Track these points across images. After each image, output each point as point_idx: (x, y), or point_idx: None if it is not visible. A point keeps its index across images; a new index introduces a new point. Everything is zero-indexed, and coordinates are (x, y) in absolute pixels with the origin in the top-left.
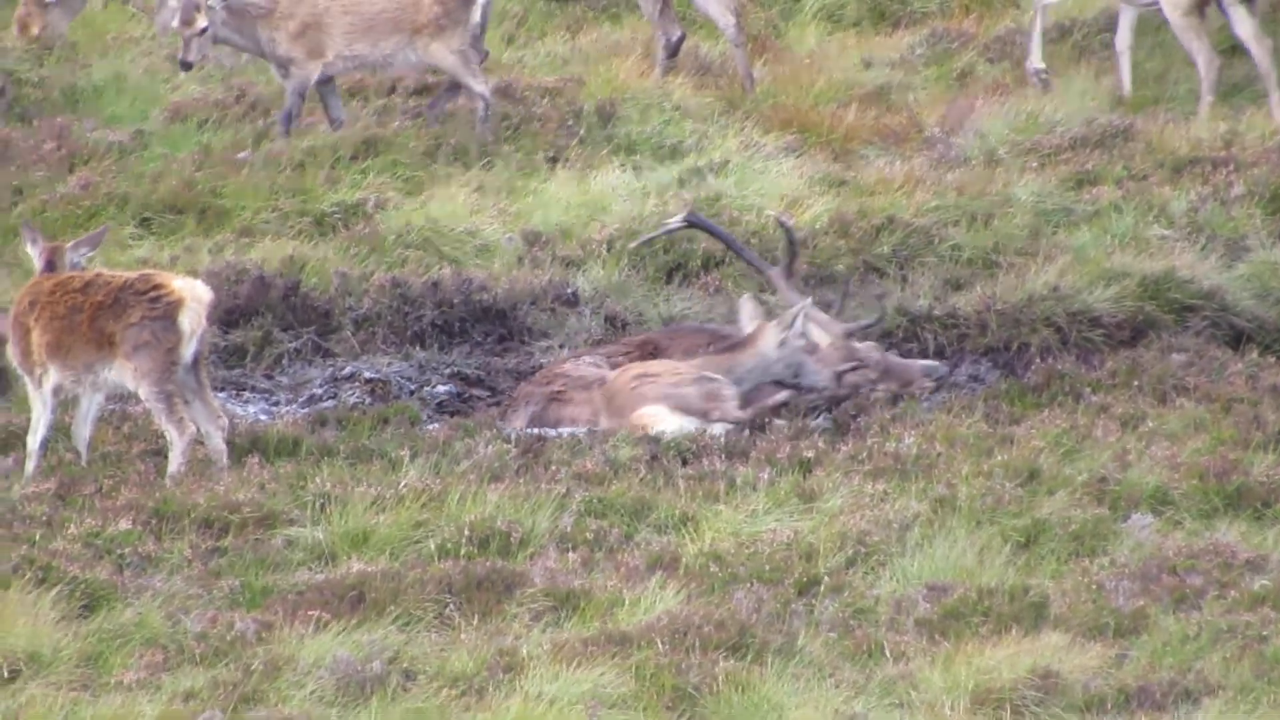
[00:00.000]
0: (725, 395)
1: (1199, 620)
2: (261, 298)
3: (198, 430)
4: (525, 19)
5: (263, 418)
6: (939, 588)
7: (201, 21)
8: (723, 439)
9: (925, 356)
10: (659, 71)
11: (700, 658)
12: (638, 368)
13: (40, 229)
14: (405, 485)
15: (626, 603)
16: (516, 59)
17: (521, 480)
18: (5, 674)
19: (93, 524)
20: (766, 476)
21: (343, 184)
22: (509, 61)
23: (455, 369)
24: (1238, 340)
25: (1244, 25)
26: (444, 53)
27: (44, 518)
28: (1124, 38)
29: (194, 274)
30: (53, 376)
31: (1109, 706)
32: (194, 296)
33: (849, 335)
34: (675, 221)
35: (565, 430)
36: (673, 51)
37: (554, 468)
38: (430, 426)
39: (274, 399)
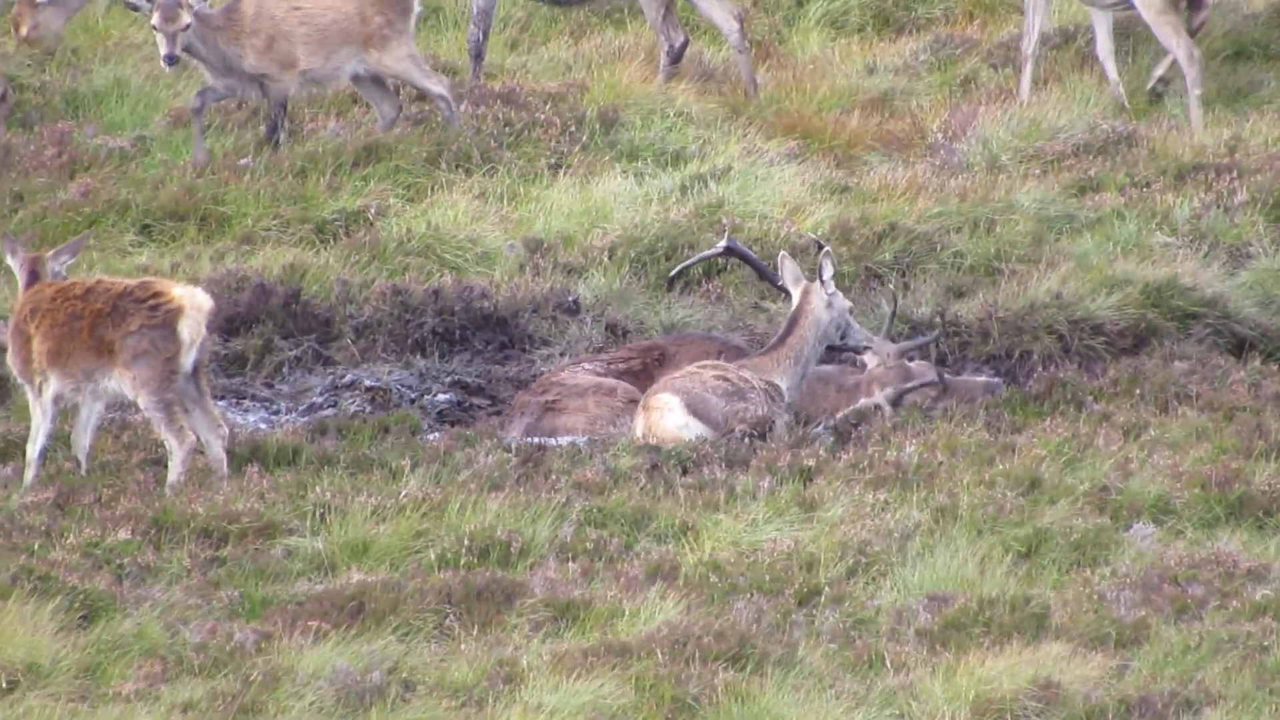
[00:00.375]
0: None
1: (1200, 630)
2: (262, 305)
3: (198, 439)
4: (528, 24)
5: (263, 426)
6: (940, 598)
7: (186, 18)
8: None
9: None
10: (662, 77)
11: (700, 668)
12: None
13: (26, 240)
14: (405, 495)
15: (626, 613)
16: (519, 64)
17: (522, 490)
18: (4, 685)
19: (92, 534)
20: (767, 485)
21: (344, 191)
22: (512, 67)
23: (456, 377)
24: (1241, 348)
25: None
26: (393, 61)
27: (43, 527)
28: (1104, 45)
29: (194, 281)
30: (53, 385)
31: (1110, 717)
32: (194, 304)
33: (903, 355)
34: (714, 250)
35: (566, 439)
36: (676, 57)
37: (554, 477)
38: (431, 435)
39: (274, 407)
